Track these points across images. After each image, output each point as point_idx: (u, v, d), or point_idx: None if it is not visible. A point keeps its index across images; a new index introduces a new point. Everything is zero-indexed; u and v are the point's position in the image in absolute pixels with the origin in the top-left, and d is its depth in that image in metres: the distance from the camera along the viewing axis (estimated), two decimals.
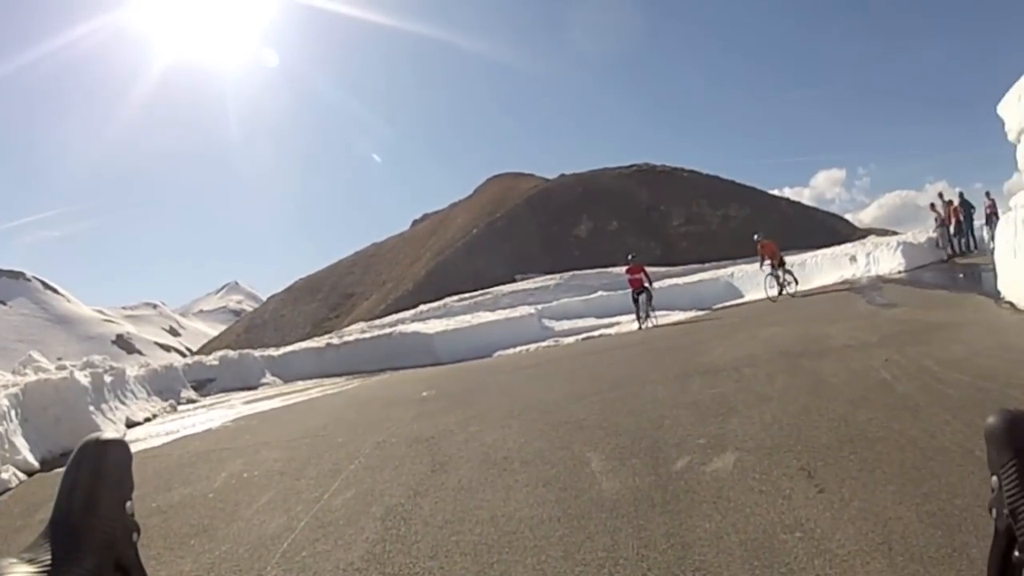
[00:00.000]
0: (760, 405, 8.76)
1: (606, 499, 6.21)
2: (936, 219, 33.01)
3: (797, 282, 31.09)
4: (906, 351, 10.82)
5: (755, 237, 31.73)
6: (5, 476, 11.48)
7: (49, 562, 1.39)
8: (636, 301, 28.66)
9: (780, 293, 30.18)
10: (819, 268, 35.95)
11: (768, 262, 30.85)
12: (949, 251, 33.01)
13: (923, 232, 35.36)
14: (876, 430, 6.86)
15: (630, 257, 30.08)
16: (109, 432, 1.70)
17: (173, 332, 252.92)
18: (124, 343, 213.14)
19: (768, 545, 4.68)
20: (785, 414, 8.11)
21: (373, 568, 5.58)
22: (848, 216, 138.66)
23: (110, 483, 1.55)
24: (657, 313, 28.78)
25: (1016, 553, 1.42)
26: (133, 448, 8.33)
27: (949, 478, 5.29)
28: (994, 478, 1.50)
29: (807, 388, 9.31)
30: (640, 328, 27.86)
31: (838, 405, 8.16)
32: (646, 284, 28.59)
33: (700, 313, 31.38)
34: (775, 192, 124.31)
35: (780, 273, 30.65)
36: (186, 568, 6.25)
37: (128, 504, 1.58)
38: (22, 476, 12.01)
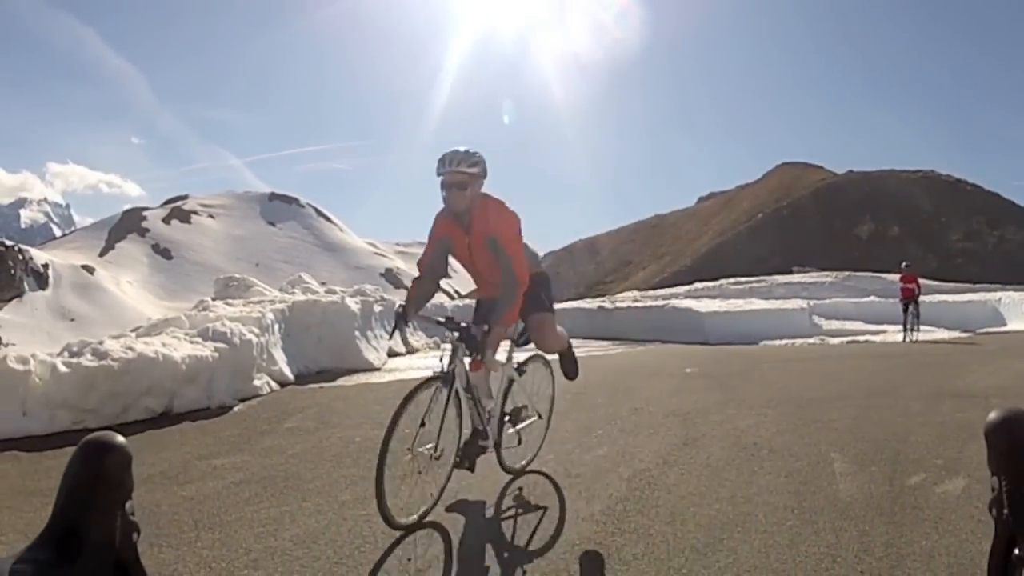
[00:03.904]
0: None
1: (840, 499, 6.42)
2: None
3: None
4: None
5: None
6: (258, 383, 12.49)
7: (48, 562, 1.49)
8: (906, 310, 27.64)
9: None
10: None
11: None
12: None
13: None
14: None
15: (904, 264, 29.11)
16: (109, 433, 1.69)
17: None
18: (392, 277, 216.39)
19: (971, 573, 4.84)
20: None
21: (611, 522, 5.91)
22: None
23: (110, 484, 1.61)
24: (921, 328, 28.00)
25: (1016, 552, 1.53)
26: (393, 376, 9.86)
27: None
28: (994, 478, 1.61)
29: None
30: (904, 340, 27.02)
31: None
32: (917, 294, 27.68)
33: (963, 335, 30.13)
34: None
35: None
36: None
37: (128, 504, 1.65)
38: (275, 386, 12.96)
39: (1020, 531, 1.51)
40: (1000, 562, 1.56)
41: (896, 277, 31.53)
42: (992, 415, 1.64)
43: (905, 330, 27.62)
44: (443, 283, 7.17)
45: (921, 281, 28.83)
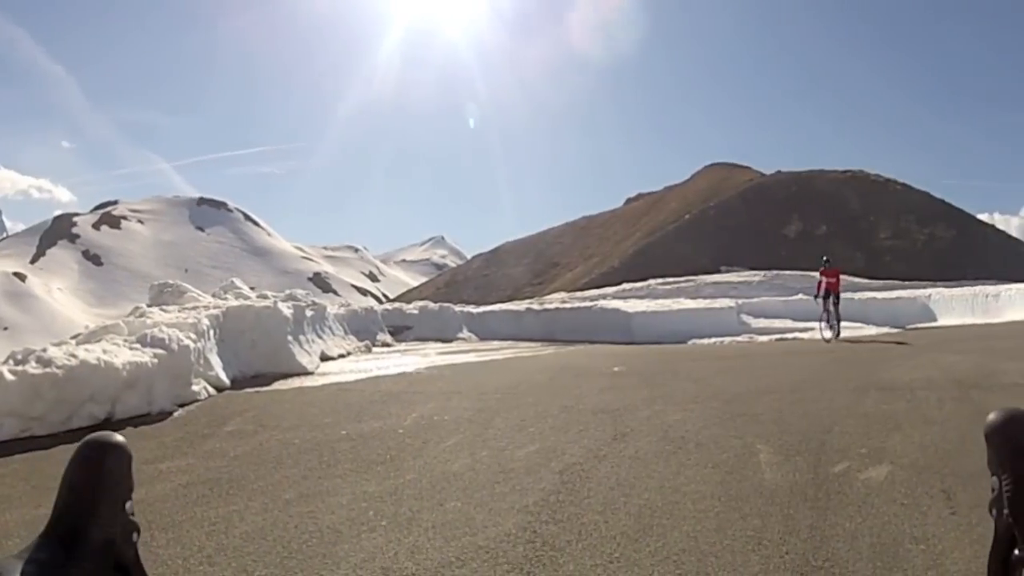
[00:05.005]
0: (923, 427, 8.98)
1: (765, 487, 6.68)
2: None
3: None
4: None
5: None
6: (196, 388, 12.59)
7: (49, 562, 1.46)
8: (826, 299, 26.77)
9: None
10: (1012, 302, 34.04)
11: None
12: None
13: None
14: None
15: (824, 259, 27.90)
16: (109, 433, 1.66)
17: (372, 277, 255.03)
18: (321, 281, 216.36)
19: (893, 552, 5.08)
20: (943, 439, 8.31)
21: (545, 513, 6.15)
22: None
23: (110, 483, 1.60)
24: (849, 325, 27.91)
25: (1016, 552, 1.51)
26: (327, 380, 9.94)
27: None
28: (994, 478, 1.59)
29: (970, 417, 9.35)
30: (828, 339, 26.16)
31: None
32: (838, 291, 27.05)
33: (892, 331, 30.45)
34: (983, 217, 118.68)
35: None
36: (370, 489, 7.03)
37: (128, 504, 1.64)
38: (212, 391, 13.08)
39: (1020, 531, 1.52)
40: (1000, 562, 1.57)
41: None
42: (992, 415, 1.64)
43: (828, 326, 26.67)
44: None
45: (849, 278, 28.84)
